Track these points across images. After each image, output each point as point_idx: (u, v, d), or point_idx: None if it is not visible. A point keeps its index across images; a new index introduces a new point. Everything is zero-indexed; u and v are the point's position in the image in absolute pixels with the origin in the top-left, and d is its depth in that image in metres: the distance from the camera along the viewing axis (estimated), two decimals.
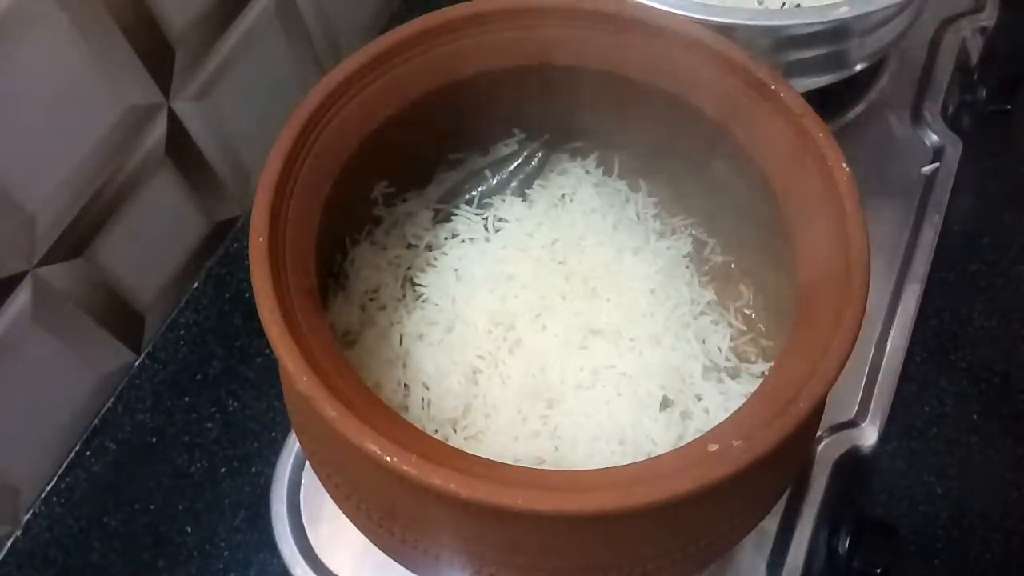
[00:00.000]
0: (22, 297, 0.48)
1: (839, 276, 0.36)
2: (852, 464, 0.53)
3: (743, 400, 0.35)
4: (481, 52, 0.43)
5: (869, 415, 0.54)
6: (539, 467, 0.41)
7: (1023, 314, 0.59)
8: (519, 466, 0.39)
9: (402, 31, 0.42)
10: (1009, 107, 0.66)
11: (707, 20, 0.47)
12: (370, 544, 0.40)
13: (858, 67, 0.57)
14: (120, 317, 0.56)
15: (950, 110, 0.67)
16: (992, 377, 0.56)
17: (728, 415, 0.35)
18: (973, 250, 0.61)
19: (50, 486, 0.54)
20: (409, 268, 0.47)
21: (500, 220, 0.49)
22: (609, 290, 0.46)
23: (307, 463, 0.52)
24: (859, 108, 0.67)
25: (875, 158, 0.65)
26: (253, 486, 0.53)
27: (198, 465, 0.54)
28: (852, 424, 0.54)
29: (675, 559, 0.37)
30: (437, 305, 0.45)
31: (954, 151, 0.65)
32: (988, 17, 0.73)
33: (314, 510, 0.51)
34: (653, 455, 0.41)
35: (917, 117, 0.67)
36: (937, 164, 0.64)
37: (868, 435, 0.53)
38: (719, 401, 0.42)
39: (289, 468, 0.52)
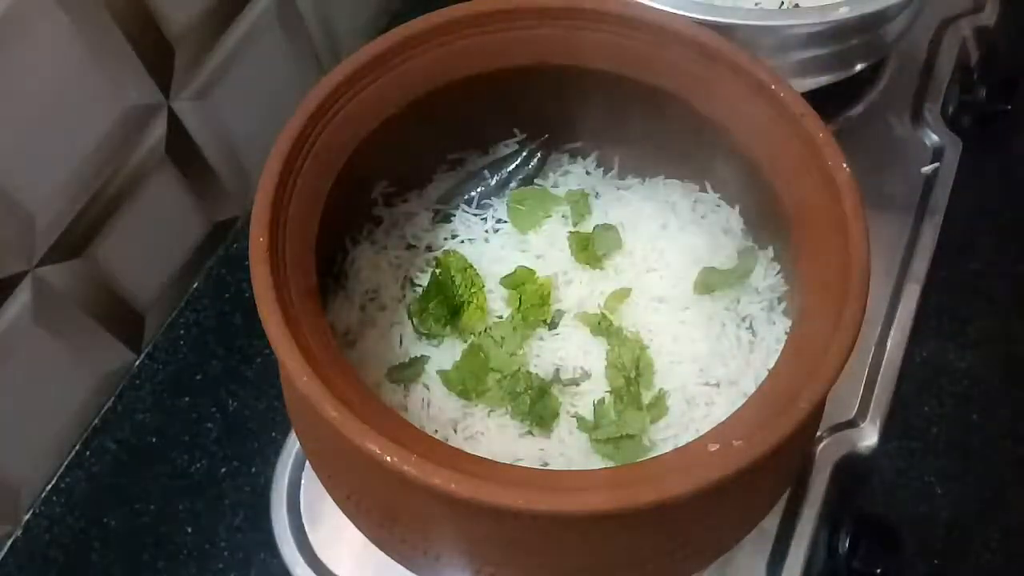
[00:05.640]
0: (22, 297, 0.48)
1: (839, 276, 0.36)
2: (852, 464, 0.53)
3: (744, 400, 0.36)
4: (481, 52, 0.43)
5: (869, 415, 0.54)
6: (539, 467, 0.41)
7: (1023, 314, 0.59)
8: (519, 466, 0.39)
9: (402, 31, 0.42)
10: (1009, 107, 0.66)
11: (707, 20, 0.47)
12: (370, 544, 0.40)
13: (858, 67, 0.57)
14: (120, 317, 0.56)
15: (950, 110, 0.67)
16: (992, 377, 0.56)
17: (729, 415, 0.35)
18: (973, 250, 0.61)
19: (50, 486, 0.54)
20: (409, 268, 0.47)
21: (500, 221, 0.49)
22: (609, 288, 0.46)
23: (307, 463, 0.52)
24: (859, 108, 0.67)
25: (875, 158, 0.65)
26: (253, 486, 0.53)
27: (198, 465, 0.54)
28: (852, 424, 0.54)
29: (675, 559, 0.37)
30: None
31: (954, 151, 0.65)
32: (988, 17, 0.73)
33: (314, 510, 0.51)
34: (652, 455, 0.41)
35: (917, 117, 0.67)
36: (937, 164, 0.64)
37: (868, 435, 0.53)
38: (720, 404, 0.43)
39: (289, 468, 0.52)
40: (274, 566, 0.50)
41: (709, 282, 0.45)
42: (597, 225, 0.47)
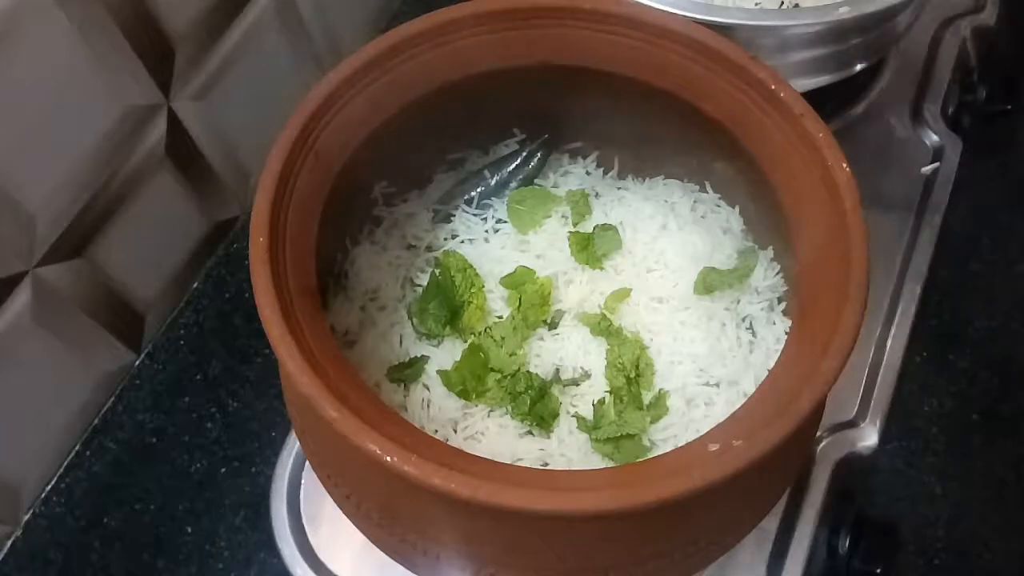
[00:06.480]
0: (22, 297, 0.48)
1: (839, 276, 0.36)
2: (852, 464, 0.53)
3: (744, 400, 0.36)
4: (481, 52, 0.43)
5: (869, 415, 0.54)
6: (539, 467, 0.41)
7: (1023, 314, 0.59)
8: (519, 466, 0.39)
9: (402, 31, 0.42)
10: (1009, 107, 0.66)
11: (707, 20, 0.47)
12: (370, 544, 0.40)
13: (858, 67, 0.57)
14: (120, 317, 0.56)
15: (950, 110, 0.67)
16: (992, 377, 0.56)
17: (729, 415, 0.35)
18: (973, 250, 0.61)
19: (50, 486, 0.54)
20: (409, 268, 0.47)
21: (500, 221, 0.49)
22: (609, 288, 0.46)
23: (307, 463, 0.52)
24: (859, 108, 0.67)
25: (875, 158, 0.65)
26: (253, 486, 0.53)
27: (198, 465, 0.54)
28: (852, 424, 0.54)
29: (675, 559, 0.37)
30: None
31: (954, 151, 0.65)
32: (988, 17, 0.73)
33: (314, 510, 0.51)
34: (652, 455, 0.41)
35: (917, 117, 0.67)
36: (937, 164, 0.64)
37: (868, 435, 0.53)
38: (720, 404, 0.43)
39: (289, 468, 0.52)
40: (274, 566, 0.50)
41: (709, 282, 0.45)
42: (597, 225, 0.47)
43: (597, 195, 0.50)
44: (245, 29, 0.57)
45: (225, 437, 0.55)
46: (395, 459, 0.31)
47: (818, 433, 0.52)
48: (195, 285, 0.61)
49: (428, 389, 0.43)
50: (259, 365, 0.58)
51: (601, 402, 0.43)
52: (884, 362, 0.56)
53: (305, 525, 0.51)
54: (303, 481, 0.52)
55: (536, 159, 0.49)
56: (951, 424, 0.55)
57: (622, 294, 0.45)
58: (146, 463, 0.54)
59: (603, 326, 0.44)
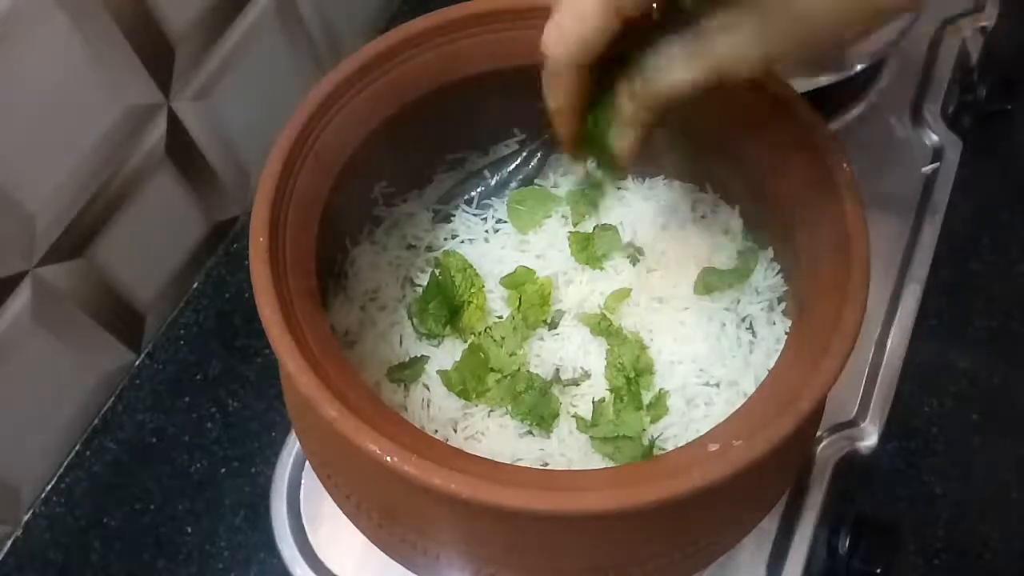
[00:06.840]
0: (22, 297, 0.48)
1: (839, 276, 0.36)
2: (852, 464, 0.53)
3: (744, 400, 0.36)
4: (481, 52, 0.43)
5: (869, 415, 0.54)
6: (539, 467, 0.41)
7: (1023, 314, 0.59)
8: (519, 466, 0.39)
9: (402, 31, 0.42)
10: (1009, 107, 0.66)
11: None
12: (370, 544, 0.40)
13: (858, 67, 0.57)
14: (120, 317, 0.56)
15: (950, 110, 0.67)
16: (992, 377, 0.56)
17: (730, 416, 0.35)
18: (973, 250, 0.61)
19: (50, 486, 0.54)
20: (409, 268, 0.47)
21: (500, 221, 0.49)
22: (609, 288, 0.46)
23: (307, 463, 0.52)
24: (859, 108, 0.67)
25: (875, 158, 0.65)
26: (253, 486, 0.53)
27: (198, 465, 0.54)
28: (852, 424, 0.54)
29: (675, 559, 0.37)
30: None
31: (954, 151, 0.65)
32: (988, 17, 0.73)
33: (314, 510, 0.51)
34: (653, 455, 0.41)
35: (917, 117, 0.67)
36: (937, 164, 0.64)
37: (868, 435, 0.53)
38: (720, 404, 0.43)
39: (289, 468, 0.52)
40: (274, 566, 0.50)
41: (709, 282, 0.45)
42: (597, 225, 0.47)
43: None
44: (245, 29, 0.57)
45: (225, 437, 0.55)
46: (395, 459, 0.31)
47: (818, 433, 0.52)
48: (195, 285, 0.61)
49: (428, 389, 0.43)
50: (259, 365, 0.58)
51: (601, 402, 0.43)
52: (884, 362, 0.56)
53: (305, 525, 0.51)
54: (303, 481, 0.52)
55: (536, 159, 0.49)
56: (951, 424, 0.55)
57: (622, 294, 0.45)
58: (146, 463, 0.54)
59: (603, 326, 0.44)
